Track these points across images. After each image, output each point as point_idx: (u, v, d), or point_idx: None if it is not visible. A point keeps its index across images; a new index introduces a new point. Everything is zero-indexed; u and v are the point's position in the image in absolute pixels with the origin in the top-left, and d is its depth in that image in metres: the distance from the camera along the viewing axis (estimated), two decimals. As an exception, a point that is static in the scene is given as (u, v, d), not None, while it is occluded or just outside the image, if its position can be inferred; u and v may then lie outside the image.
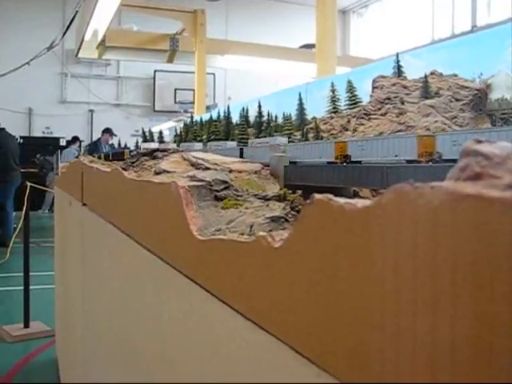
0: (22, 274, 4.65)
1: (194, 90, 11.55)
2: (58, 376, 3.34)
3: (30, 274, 4.66)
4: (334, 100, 2.12)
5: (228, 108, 2.73)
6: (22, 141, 13.74)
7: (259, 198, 0.88)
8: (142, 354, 1.17)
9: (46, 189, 9.16)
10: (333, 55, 4.73)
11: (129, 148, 3.65)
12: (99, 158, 3.11)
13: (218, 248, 0.68)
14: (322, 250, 0.44)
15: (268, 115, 2.44)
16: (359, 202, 0.40)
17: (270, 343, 0.54)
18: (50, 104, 15.78)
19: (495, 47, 1.71)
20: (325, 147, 1.50)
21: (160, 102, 16.76)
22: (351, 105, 2.04)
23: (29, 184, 5.15)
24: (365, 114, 1.89)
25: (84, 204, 2.08)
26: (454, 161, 0.36)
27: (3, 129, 8.68)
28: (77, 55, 11.86)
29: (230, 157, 1.72)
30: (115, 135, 10.50)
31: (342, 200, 0.42)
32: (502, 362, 0.28)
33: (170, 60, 11.97)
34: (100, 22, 8.48)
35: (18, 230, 5.66)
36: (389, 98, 1.84)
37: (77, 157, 4.52)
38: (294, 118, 2.26)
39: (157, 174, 1.19)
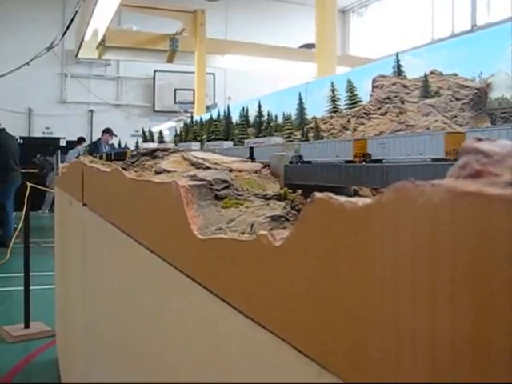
0: (22, 274, 4.65)
1: (193, 90, 11.56)
2: (58, 376, 3.34)
3: (31, 274, 4.66)
4: (333, 100, 2.12)
5: (228, 108, 2.74)
6: (22, 141, 13.75)
7: (260, 198, 0.89)
8: (142, 354, 1.17)
9: (46, 189, 9.16)
10: (333, 55, 4.73)
11: (129, 148, 3.65)
12: (101, 158, 3.11)
13: (218, 247, 0.68)
14: (323, 248, 0.44)
15: (268, 115, 2.44)
16: (360, 201, 0.40)
17: (270, 342, 0.54)
18: (49, 104, 15.79)
19: (495, 46, 1.71)
20: (342, 145, 1.43)
21: (160, 102, 16.76)
22: (351, 104, 2.04)
23: (29, 184, 5.15)
24: (365, 113, 1.89)
25: (84, 204, 2.08)
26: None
27: (3, 129, 8.68)
28: (76, 55, 11.87)
29: (240, 157, 1.70)
30: (115, 135, 10.50)
31: (342, 198, 0.42)
32: (501, 360, 0.28)
33: (170, 60, 11.97)
34: (100, 22, 8.49)
35: (18, 230, 5.66)
36: (389, 98, 1.84)
37: None
38: (294, 117, 2.26)
39: (157, 173, 1.19)
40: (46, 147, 13.73)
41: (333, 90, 2.13)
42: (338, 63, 4.86)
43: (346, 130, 1.91)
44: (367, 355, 0.39)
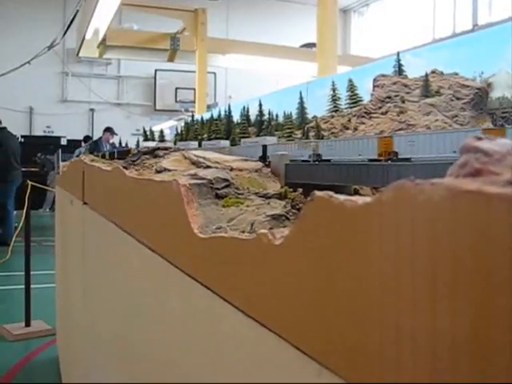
0: (23, 272, 4.65)
1: (194, 89, 11.55)
2: (59, 375, 3.34)
3: (31, 272, 4.66)
4: (334, 99, 2.12)
5: (229, 107, 2.74)
6: (22, 140, 13.73)
7: (260, 196, 0.89)
8: (142, 353, 1.17)
9: (47, 188, 9.16)
10: (334, 54, 4.73)
11: (130, 147, 3.66)
12: (104, 156, 3.11)
13: (218, 246, 0.68)
14: (323, 247, 0.45)
15: (269, 114, 2.44)
16: (360, 199, 0.40)
17: (270, 341, 0.54)
18: (50, 103, 15.79)
19: (496, 46, 1.71)
20: (365, 143, 1.36)
21: (161, 101, 16.76)
22: (352, 104, 2.04)
23: (30, 183, 5.15)
24: (365, 112, 1.89)
25: (85, 203, 2.08)
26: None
27: (4, 128, 8.68)
28: (78, 54, 11.87)
29: (252, 155, 1.67)
30: (116, 134, 10.50)
31: (342, 197, 0.42)
32: (501, 358, 0.28)
33: (171, 59, 11.97)
34: (101, 21, 8.49)
35: (19, 229, 5.66)
36: (389, 97, 1.84)
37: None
38: (294, 116, 2.26)
39: (158, 172, 1.19)
40: (46, 146, 13.73)
41: (333, 90, 2.13)
42: (338, 62, 4.86)
43: (347, 129, 1.91)
44: (367, 354, 0.39)
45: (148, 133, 3.92)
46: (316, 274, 0.46)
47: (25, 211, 4.81)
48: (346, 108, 2.08)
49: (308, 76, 8.78)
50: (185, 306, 0.86)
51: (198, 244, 0.74)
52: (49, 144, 14.06)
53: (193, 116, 3.67)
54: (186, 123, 3.45)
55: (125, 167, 1.37)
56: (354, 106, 2.01)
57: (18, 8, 15.02)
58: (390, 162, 1.26)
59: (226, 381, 0.68)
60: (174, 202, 0.85)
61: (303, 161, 1.56)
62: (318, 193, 0.45)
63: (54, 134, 15.50)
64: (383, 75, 1.99)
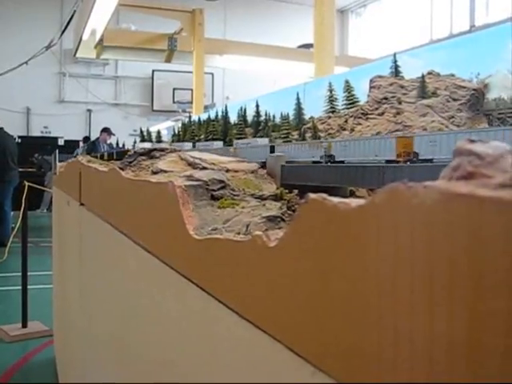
0: (20, 273, 4.65)
1: (192, 90, 11.55)
2: (56, 376, 3.33)
3: (28, 273, 4.65)
4: (331, 100, 2.12)
5: (225, 108, 2.74)
6: (20, 140, 13.71)
7: (256, 198, 0.89)
8: (139, 353, 1.17)
9: (44, 188, 9.15)
10: (331, 55, 4.73)
11: (127, 148, 3.66)
12: (102, 157, 3.11)
13: (213, 247, 0.68)
14: (317, 249, 0.45)
15: (266, 115, 2.44)
16: (353, 202, 0.40)
17: (265, 342, 0.54)
18: (48, 103, 15.78)
19: (493, 47, 1.71)
20: (382, 143, 1.29)
21: (158, 102, 16.76)
22: (349, 104, 2.04)
23: (27, 184, 5.14)
24: (362, 113, 1.89)
25: (82, 204, 2.08)
26: None
27: (1, 128, 8.67)
28: (75, 55, 11.86)
29: (260, 155, 1.63)
30: (113, 134, 10.51)
31: (336, 199, 0.42)
32: (498, 361, 0.28)
33: (168, 60, 11.96)
34: (98, 21, 8.49)
35: (16, 229, 5.66)
36: (386, 98, 1.85)
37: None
38: (291, 117, 2.26)
39: (154, 173, 1.19)
40: (44, 146, 13.71)
41: (330, 90, 2.13)
42: (336, 63, 4.87)
43: (344, 130, 1.91)
44: (361, 356, 0.39)
45: (145, 133, 3.92)
46: (310, 276, 0.46)
47: (22, 212, 4.80)
48: (342, 109, 2.08)
49: (305, 76, 8.79)
50: (180, 308, 0.86)
51: (194, 245, 0.74)
52: (46, 144, 14.05)
53: (190, 117, 3.67)
54: (183, 124, 3.45)
55: (121, 168, 1.37)
56: (351, 107, 2.01)
57: (16, 8, 15.00)
58: (409, 163, 1.20)
59: (221, 382, 0.68)
60: (170, 204, 0.85)
61: (314, 162, 1.49)
62: (312, 195, 0.45)
63: (52, 135, 15.48)
64: (380, 76, 1.99)
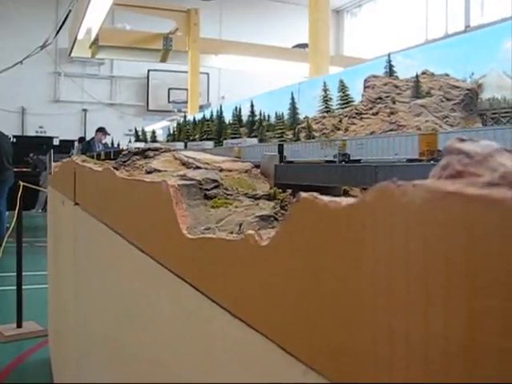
0: (14, 273, 4.64)
1: (187, 90, 11.54)
2: (50, 376, 3.33)
3: (23, 273, 4.64)
4: (326, 100, 2.12)
5: (220, 107, 2.74)
6: (15, 140, 13.69)
7: (249, 197, 0.89)
8: (133, 353, 1.17)
9: (39, 188, 9.13)
10: (326, 55, 4.73)
11: (122, 148, 3.65)
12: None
13: (206, 247, 0.68)
14: (308, 247, 0.45)
15: (260, 115, 2.44)
16: (344, 201, 0.40)
17: (257, 341, 0.54)
18: (43, 103, 15.75)
19: (487, 47, 1.71)
20: (403, 141, 1.22)
21: (154, 102, 16.75)
22: (343, 104, 2.04)
23: (22, 183, 5.13)
24: (356, 113, 1.89)
25: (76, 203, 2.08)
26: None
27: (-4, 128, 8.65)
28: (70, 54, 11.84)
29: (269, 153, 1.55)
30: (108, 134, 10.50)
31: (326, 198, 0.42)
32: (493, 359, 0.29)
33: (164, 59, 11.96)
34: (93, 21, 8.47)
35: (10, 229, 5.64)
36: (380, 98, 1.85)
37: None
38: (286, 117, 2.26)
39: (148, 173, 1.19)
40: (39, 146, 13.69)
41: (325, 90, 2.14)
42: (331, 63, 4.87)
43: (338, 129, 1.91)
44: (352, 355, 0.39)
45: (140, 133, 3.92)
46: (302, 274, 0.46)
47: (17, 212, 4.79)
48: (337, 109, 2.08)
49: (301, 76, 8.80)
50: (174, 307, 0.86)
51: (187, 245, 0.74)
52: (41, 144, 14.03)
53: (185, 116, 3.67)
54: (178, 124, 3.45)
55: (115, 168, 1.37)
56: (346, 107, 2.01)
57: (10, 8, 14.97)
58: (433, 162, 1.13)
59: (214, 381, 0.68)
60: (163, 203, 0.85)
61: (327, 161, 1.42)
62: (303, 194, 0.46)
63: (47, 135, 15.45)
64: (374, 76, 1.99)
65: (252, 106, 2.47)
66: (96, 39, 10.51)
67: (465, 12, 13.95)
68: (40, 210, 12.87)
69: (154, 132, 3.75)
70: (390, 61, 1.99)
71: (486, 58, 1.70)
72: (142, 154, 1.36)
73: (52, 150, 4.27)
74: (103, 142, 10.49)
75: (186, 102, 12.28)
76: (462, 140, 0.37)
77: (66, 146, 12.86)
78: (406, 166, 1.19)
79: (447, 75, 1.82)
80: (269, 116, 2.42)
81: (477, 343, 0.29)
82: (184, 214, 0.79)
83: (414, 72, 1.87)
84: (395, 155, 1.24)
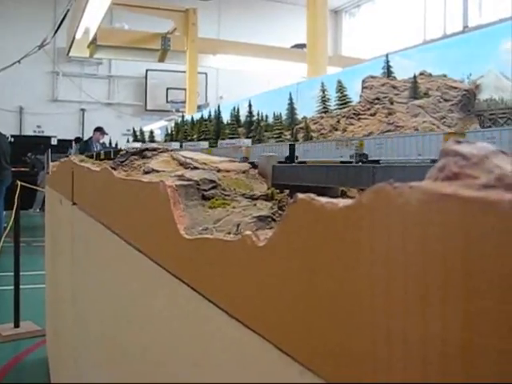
0: (12, 273, 4.63)
1: (185, 90, 11.53)
2: (48, 376, 3.33)
3: (21, 273, 4.64)
4: (324, 100, 2.12)
5: (218, 107, 2.73)
6: (12, 139, 13.67)
7: (247, 198, 0.89)
8: (130, 353, 1.17)
9: (37, 188, 9.12)
10: (324, 55, 4.73)
11: (121, 148, 3.65)
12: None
13: (204, 247, 0.68)
14: (305, 248, 0.45)
15: (258, 115, 2.44)
16: (341, 202, 0.41)
17: (254, 341, 0.54)
18: (41, 103, 15.73)
19: (485, 48, 1.72)
20: (427, 141, 1.14)
21: (152, 101, 16.73)
22: (341, 105, 2.04)
23: (19, 183, 5.13)
24: (354, 113, 1.90)
25: (74, 203, 2.08)
26: None
27: (-6, 127, 8.63)
28: (68, 54, 11.82)
29: (280, 154, 1.51)
30: (106, 134, 10.49)
31: (323, 199, 0.42)
32: (490, 360, 0.29)
33: (162, 59, 11.94)
34: (91, 20, 8.46)
35: (8, 228, 5.64)
36: (378, 98, 1.85)
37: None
38: (284, 117, 2.26)
39: (146, 173, 1.19)
40: (37, 146, 13.67)
41: (323, 91, 2.14)
42: (329, 63, 4.87)
43: (336, 130, 1.91)
44: (349, 355, 0.40)
45: (138, 133, 3.91)
46: (299, 275, 0.46)
47: (14, 211, 4.79)
48: (335, 109, 2.08)
49: (299, 76, 8.80)
50: (171, 307, 0.86)
51: (184, 245, 0.74)
52: (39, 144, 14.00)
53: (183, 116, 3.67)
54: (177, 124, 3.44)
55: (113, 168, 1.37)
56: (344, 107, 2.01)
57: (9, 7, 14.96)
58: None
59: (211, 381, 0.68)
60: (161, 203, 0.85)
61: (342, 162, 1.36)
62: (300, 195, 0.46)
63: (45, 134, 15.43)
64: (372, 77, 1.99)
65: (250, 106, 2.47)
66: (94, 39, 10.49)
67: (463, 12, 13.96)
68: (38, 210, 12.85)
69: (151, 132, 3.74)
70: (387, 61, 1.99)
71: (484, 58, 1.70)
72: (140, 154, 1.36)
73: (50, 150, 4.26)
74: (101, 141, 10.48)
75: (184, 102, 12.27)
76: (459, 142, 0.37)
77: (63, 146, 12.86)
78: (430, 167, 1.14)
79: (445, 76, 1.82)
80: (267, 116, 2.42)
81: (474, 345, 0.29)
82: (181, 214, 0.79)
83: (412, 73, 1.87)
84: (418, 156, 1.18)
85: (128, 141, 3.77)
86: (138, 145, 3.20)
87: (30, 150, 13.43)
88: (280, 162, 1.53)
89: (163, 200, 0.84)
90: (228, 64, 12.58)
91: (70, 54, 11.84)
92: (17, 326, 4.42)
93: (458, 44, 1.94)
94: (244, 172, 1.09)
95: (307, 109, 2.28)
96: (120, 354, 1.29)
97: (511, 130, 1.09)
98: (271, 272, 0.50)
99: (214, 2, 14.91)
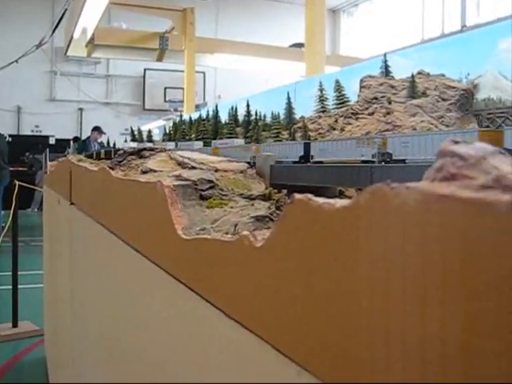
0: (10, 273, 4.63)
1: (183, 89, 11.54)
2: (46, 375, 3.32)
3: (19, 273, 4.64)
4: (322, 99, 2.12)
5: (216, 107, 2.74)
6: (10, 139, 13.65)
7: (244, 198, 0.89)
8: (128, 353, 1.17)
9: (35, 187, 9.12)
10: (322, 54, 4.73)
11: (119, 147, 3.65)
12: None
13: (201, 247, 0.68)
14: (302, 249, 0.45)
15: (256, 114, 2.44)
16: (338, 202, 0.40)
17: (251, 342, 0.54)
18: (39, 102, 15.72)
19: (483, 47, 1.72)
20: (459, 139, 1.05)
21: (150, 101, 16.73)
22: (339, 104, 2.04)
23: (18, 183, 5.13)
24: (352, 113, 1.90)
25: (72, 203, 2.08)
26: None
27: (-8, 127, 8.62)
28: (66, 53, 11.82)
29: (292, 154, 1.46)
30: (104, 133, 10.49)
31: (321, 200, 0.42)
32: (489, 363, 0.29)
33: (160, 58, 11.96)
34: (89, 20, 8.47)
35: (6, 228, 5.63)
36: (376, 98, 1.85)
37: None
38: (282, 117, 2.26)
39: (143, 173, 1.19)
40: (35, 145, 13.67)
41: (321, 90, 2.14)
42: (327, 63, 4.87)
43: (334, 129, 1.91)
44: (346, 356, 0.40)
45: (136, 133, 3.91)
46: (296, 276, 0.46)
47: (12, 211, 4.78)
48: (333, 108, 2.08)
49: (298, 75, 8.80)
50: (169, 307, 0.86)
51: (182, 245, 0.74)
52: (37, 143, 14.00)
53: (181, 116, 3.66)
54: (175, 123, 3.44)
55: (111, 167, 1.36)
56: (341, 107, 2.02)
57: (6, 6, 14.93)
58: None
59: (209, 381, 0.68)
60: (159, 203, 0.85)
61: (363, 161, 1.31)
62: (297, 195, 0.46)
63: (43, 134, 15.43)
64: (370, 76, 2.00)
65: (248, 105, 2.47)
66: (92, 38, 10.50)
67: (461, 12, 13.97)
68: (36, 209, 12.85)
69: (150, 131, 3.74)
70: (385, 61, 1.99)
71: (482, 58, 1.70)
72: (138, 153, 1.36)
73: (48, 149, 4.26)
74: (99, 141, 10.48)
75: (182, 101, 12.28)
76: (456, 142, 0.37)
77: (61, 145, 12.84)
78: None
79: (443, 75, 1.82)
80: (265, 116, 2.42)
81: (472, 346, 0.29)
82: (179, 214, 0.79)
83: (410, 72, 1.88)
84: None
85: (126, 140, 3.76)
86: (134, 144, 3.20)
87: (28, 149, 13.43)
88: (295, 162, 1.48)
89: (161, 200, 0.84)
90: (226, 63, 12.59)
91: (68, 54, 11.86)
92: (15, 325, 4.41)
93: (456, 43, 1.94)
94: (242, 172, 1.09)
95: (305, 108, 2.29)
96: (118, 353, 1.29)
97: None
98: (269, 272, 0.50)
99: (211, 1, 14.92)
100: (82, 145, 10.40)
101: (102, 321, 1.52)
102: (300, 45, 10.38)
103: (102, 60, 16.03)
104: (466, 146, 0.36)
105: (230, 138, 2.21)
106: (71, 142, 12.68)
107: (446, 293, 0.30)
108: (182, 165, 1.12)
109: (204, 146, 2.35)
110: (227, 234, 0.70)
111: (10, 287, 4.53)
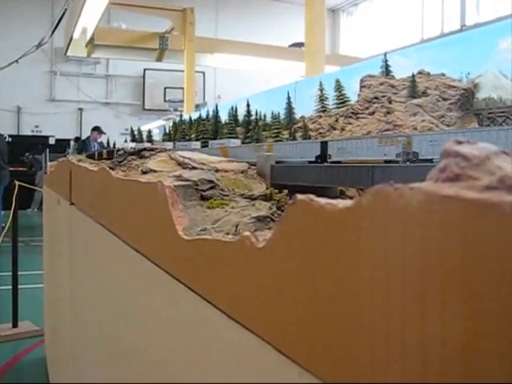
0: (10, 273, 4.63)
1: (183, 89, 11.53)
2: (46, 375, 3.32)
3: (19, 273, 4.63)
4: (322, 99, 2.12)
5: (216, 107, 2.73)
6: (10, 139, 13.65)
7: (245, 198, 0.89)
8: (128, 353, 1.17)
9: (35, 188, 9.11)
10: (321, 54, 4.73)
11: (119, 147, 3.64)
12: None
13: (202, 248, 0.68)
14: (304, 250, 0.45)
15: (256, 114, 2.43)
16: (340, 203, 0.40)
17: (253, 342, 0.54)
18: (38, 102, 15.71)
19: (483, 47, 1.71)
20: (493, 137, 1.01)
21: (150, 101, 16.72)
22: (339, 104, 2.04)
23: (17, 183, 5.12)
24: (353, 113, 1.89)
25: (72, 203, 2.08)
26: None
27: (-9, 127, 8.62)
28: (66, 53, 11.82)
29: (307, 154, 1.42)
30: (104, 133, 10.48)
31: (323, 200, 0.42)
32: (490, 363, 0.28)
33: (160, 58, 11.95)
34: (89, 20, 8.47)
35: (6, 228, 5.63)
36: (376, 98, 1.85)
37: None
38: (282, 116, 2.26)
39: (144, 173, 1.19)
40: (34, 145, 13.66)
41: (321, 90, 2.13)
42: (327, 62, 4.87)
43: (334, 129, 1.91)
44: (348, 356, 0.39)
45: (136, 133, 3.90)
46: (298, 277, 0.46)
47: (12, 211, 4.78)
48: (333, 108, 2.08)
49: (298, 75, 8.79)
50: (170, 308, 0.86)
51: (183, 246, 0.74)
52: (37, 143, 14.00)
53: (181, 116, 3.66)
54: (174, 123, 3.44)
55: (111, 168, 1.36)
56: (342, 107, 2.01)
57: (6, 6, 14.93)
58: None
59: (210, 382, 0.68)
60: (159, 204, 0.85)
61: (386, 161, 1.25)
62: (299, 196, 0.45)
63: (43, 134, 15.42)
64: (370, 76, 1.99)
65: (248, 105, 2.47)
66: (92, 38, 10.50)
67: (460, 11, 13.97)
68: (36, 210, 12.85)
69: (149, 131, 3.74)
70: (386, 60, 1.99)
71: (482, 57, 1.70)
72: (138, 153, 1.36)
73: (48, 150, 4.26)
74: (99, 141, 10.48)
75: (182, 101, 12.27)
76: (460, 142, 0.37)
77: (61, 146, 12.85)
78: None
79: (443, 75, 1.82)
80: (265, 115, 2.41)
81: (473, 346, 0.29)
82: (180, 214, 0.79)
83: (410, 71, 1.87)
84: None
85: (126, 140, 3.76)
86: (132, 145, 3.19)
87: (28, 149, 13.42)
88: (310, 162, 1.42)
89: (161, 200, 0.84)
90: (226, 63, 12.58)
91: (68, 54, 11.85)
92: (15, 325, 4.41)
93: (456, 43, 1.94)
94: (242, 172, 1.09)
95: (305, 108, 2.28)
96: (118, 353, 1.29)
97: None
98: (270, 273, 0.50)
99: (211, 1, 14.92)
100: (81, 145, 10.40)
101: (102, 321, 1.52)
102: (300, 44, 10.38)
103: (102, 60, 16.02)
104: (469, 146, 0.36)
105: (226, 139, 2.20)
106: (71, 142, 12.69)
107: (450, 293, 0.30)
108: (182, 165, 1.12)
109: (202, 147, 2.34)
110: (228, 234, 0.69)
111: (10, 287, 4.53)
